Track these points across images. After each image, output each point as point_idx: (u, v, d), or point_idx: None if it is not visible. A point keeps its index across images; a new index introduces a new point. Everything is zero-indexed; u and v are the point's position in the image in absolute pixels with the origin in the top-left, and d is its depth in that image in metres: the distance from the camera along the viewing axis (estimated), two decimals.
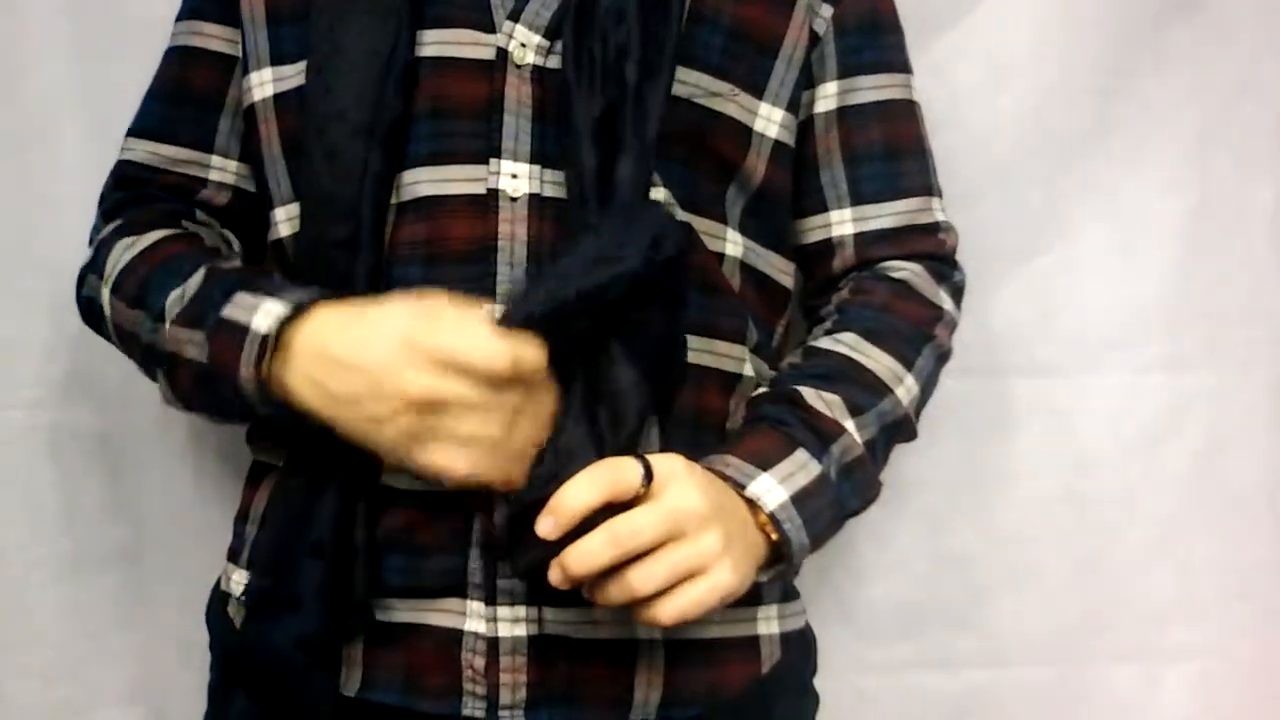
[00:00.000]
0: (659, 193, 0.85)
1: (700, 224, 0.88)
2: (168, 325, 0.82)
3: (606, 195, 0.81)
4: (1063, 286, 1.16)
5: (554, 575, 0.73)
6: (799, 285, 0.98)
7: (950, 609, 1.16)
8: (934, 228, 0.96)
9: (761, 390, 0.90)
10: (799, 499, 0.80)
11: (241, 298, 0.80)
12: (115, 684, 1.11)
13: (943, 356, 0.94)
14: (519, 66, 0.85)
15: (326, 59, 0.85)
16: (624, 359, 0.78)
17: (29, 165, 1.09)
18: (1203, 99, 1.14)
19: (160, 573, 1.12)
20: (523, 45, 0.85)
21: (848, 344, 0.89)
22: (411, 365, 0.74)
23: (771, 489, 0.80)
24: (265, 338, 0.77)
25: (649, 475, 0.73)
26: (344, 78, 0.84)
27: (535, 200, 0.83)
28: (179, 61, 0.95)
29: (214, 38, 0.94)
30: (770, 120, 0.90)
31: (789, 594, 0.93)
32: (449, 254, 0.83)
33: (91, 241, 0.93)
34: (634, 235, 0.77)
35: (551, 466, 0.75)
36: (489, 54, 0.85)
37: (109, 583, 1.10)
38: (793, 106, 0.92)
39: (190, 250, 0.88)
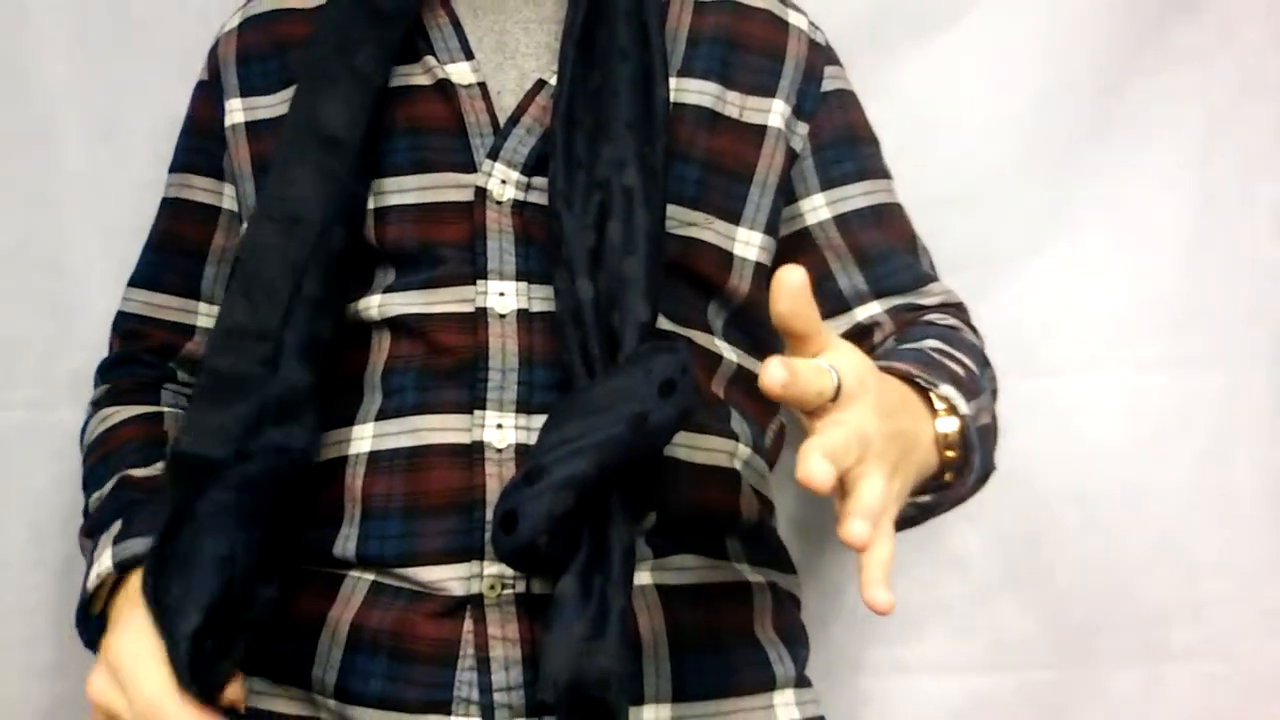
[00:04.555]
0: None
1: (689, 334, 0.89)
2: (81, 526, 0.89)
3: (608, 333, 0.80)
4: (1065, 286, 1.15)
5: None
6: None
7: (952, 611, 1.15)
8: (959, 304, 0.98)
9: (885, 343, 0.89)
10: (972, 421, 0.77)
11: (104, 537, 0.83)
12: None
13: (994, 393, 0.91)
14: (499, 202, 0.86)
15: (273, 202, 0.86)
16: (621, 516, 0.76)
17: (29, 165, 1.09)
18: (1206, 97, 1.14)
19: None
20: (502, 182, 0.86)
21: (931, 347, 0.86)
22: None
23: (956, 396, 0.76)
24: (98, 588, 0.82)
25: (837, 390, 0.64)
26: (289, 221, 0.85)
27: (524, 315, 0.85)
28: (169, 214, 1.00)
29: (201, 190, 0.98)
30: (749, 244, 0.91)
31: (803, 681, 0.90)
32: (440, 364, 0.84)
33: (94, 389, 1.00)
34: (645, 384, 0.75)
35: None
36: (468, 195, 0.87)
37: None
38: (770, 229, 0.93)
39: (135, 440, 0.92)
